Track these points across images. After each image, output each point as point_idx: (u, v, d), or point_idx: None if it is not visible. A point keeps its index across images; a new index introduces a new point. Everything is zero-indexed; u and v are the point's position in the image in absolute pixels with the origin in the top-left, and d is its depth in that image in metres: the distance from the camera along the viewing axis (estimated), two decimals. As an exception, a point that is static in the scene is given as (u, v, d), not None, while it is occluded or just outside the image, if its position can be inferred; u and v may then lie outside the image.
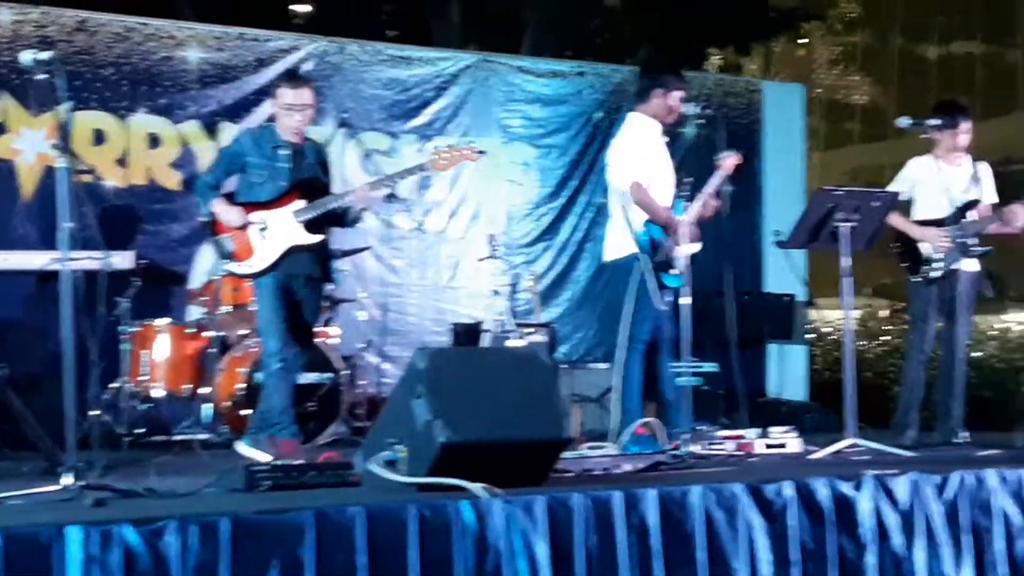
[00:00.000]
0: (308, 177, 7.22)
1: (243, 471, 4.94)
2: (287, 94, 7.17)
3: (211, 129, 9.89)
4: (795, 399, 11.81)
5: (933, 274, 7.93)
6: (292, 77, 7.72)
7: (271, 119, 7.48)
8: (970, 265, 7.94)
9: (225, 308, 8.67)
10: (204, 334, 8.78)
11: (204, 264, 9.16)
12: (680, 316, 7.09)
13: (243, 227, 7.05)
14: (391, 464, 4.71)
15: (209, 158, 9.16)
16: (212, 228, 7.18)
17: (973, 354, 12.25)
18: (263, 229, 7.06)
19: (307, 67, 10.22)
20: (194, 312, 9.09)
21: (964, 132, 8.05)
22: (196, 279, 9.24)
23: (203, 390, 8.68)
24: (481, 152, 7.59)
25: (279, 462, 5.11)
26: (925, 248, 7.99)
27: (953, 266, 7.89)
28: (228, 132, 9.67)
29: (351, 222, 7.40)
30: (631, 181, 7.33)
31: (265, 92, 10.02)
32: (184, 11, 13.43)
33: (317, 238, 7.17)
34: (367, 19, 16.69)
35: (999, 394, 12.15)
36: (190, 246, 9.54)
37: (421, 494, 4.48)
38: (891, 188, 7.87)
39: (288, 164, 7.16)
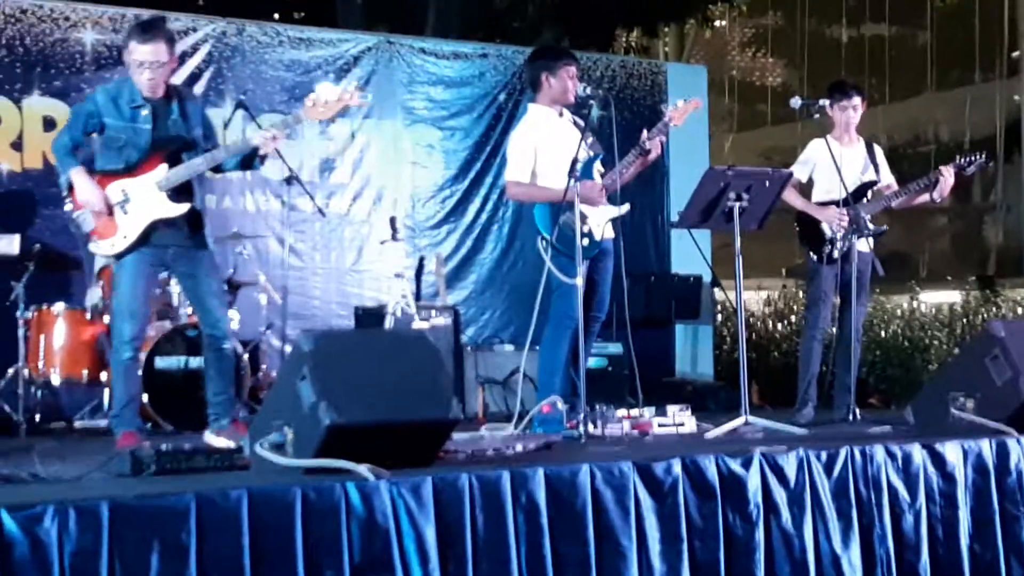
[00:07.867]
0: (171, 136, 6.48)
1: (128, 456, 4.87)
2: (137, 50, 6.37)
3: (107, 112, 9.65)
4: (702, 379, 11.90)
5: (834, 253, 8.00)
6: (144, 30, 6.49)
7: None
8: (864, 245, 8.02)
9: (121, 292, 8.53)
10: (104, 319, 8.66)
11: (102, 248, 9.04)
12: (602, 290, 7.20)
13: (104, 208, 6.39)
14: (278, 447, 4.66)
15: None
16: (71, 200, 6.51)
17: (881, 333, 12.48)
18: (124, 203, 6.41)
19: (205, 48, 10.14)
20: (93, 297, 8.98)
21: (852, 108, 8.12)
22: (94, 264, 9.12)
23: (102, 376, 8.53)
24: (364, 96, 7.05)
25: (165, 446, 5.01)
26: (825, 228, 8.06)
27: (851, 246, 7.96)
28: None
29: (255, 164, 6.73)
30: (507, 179, 7.50)
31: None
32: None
33: (183, 208, 6.49)
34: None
35: (905, 372, 12.34)
36: (88, 230, 9.42)
37: (307, 476, 4.45)
38: (791, 170, 7.92)
39: (148, 124, 6.43)
